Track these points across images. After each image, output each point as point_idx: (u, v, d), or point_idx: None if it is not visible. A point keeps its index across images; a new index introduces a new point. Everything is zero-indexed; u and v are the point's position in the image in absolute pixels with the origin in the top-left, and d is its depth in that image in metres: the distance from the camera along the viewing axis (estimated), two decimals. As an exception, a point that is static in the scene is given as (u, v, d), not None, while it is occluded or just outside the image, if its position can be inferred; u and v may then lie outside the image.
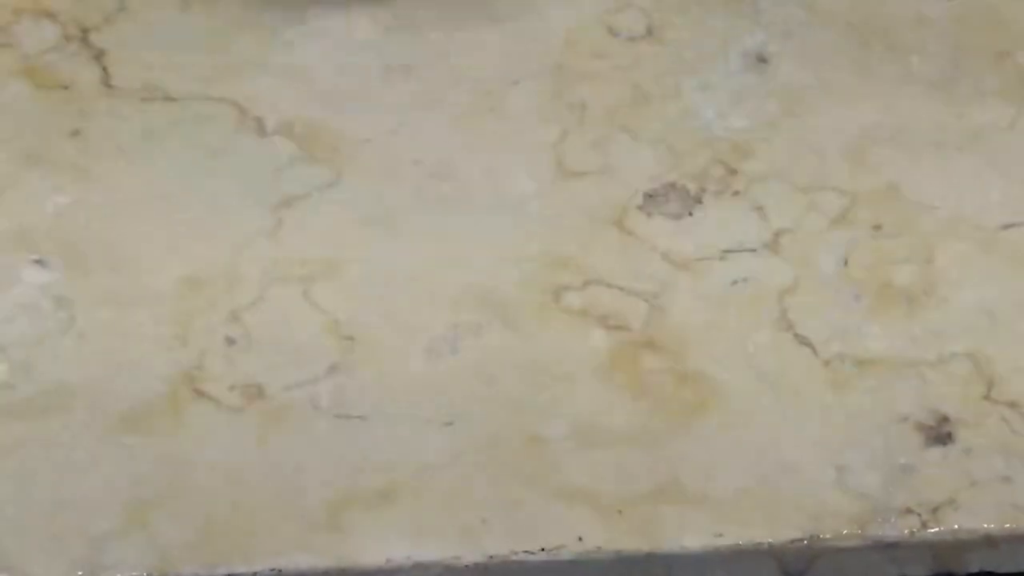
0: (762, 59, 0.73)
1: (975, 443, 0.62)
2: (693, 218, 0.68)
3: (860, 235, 0.68)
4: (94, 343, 0.64)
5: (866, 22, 0.74)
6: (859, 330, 0.65)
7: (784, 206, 0.69)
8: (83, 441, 0.62)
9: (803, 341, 0.65)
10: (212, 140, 0.70)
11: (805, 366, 0.64)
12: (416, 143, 0.70)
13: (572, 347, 0.64)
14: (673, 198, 0.69)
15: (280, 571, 0.59)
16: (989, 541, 0.61)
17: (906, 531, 0.60)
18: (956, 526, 0.60)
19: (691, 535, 0.60)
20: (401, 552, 0.59)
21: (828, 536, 0.60)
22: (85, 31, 0.73)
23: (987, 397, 0.63)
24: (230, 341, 0.64)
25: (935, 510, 0.61)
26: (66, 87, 0.71)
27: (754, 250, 0.67)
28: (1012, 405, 0.63)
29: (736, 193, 0.69)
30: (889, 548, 0.60)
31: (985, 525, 0.60)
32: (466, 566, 0.59)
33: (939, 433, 0.62)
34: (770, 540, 0.60)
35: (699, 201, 0.69)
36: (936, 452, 0.62)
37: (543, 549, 0.60)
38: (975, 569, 0.61)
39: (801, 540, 0.60)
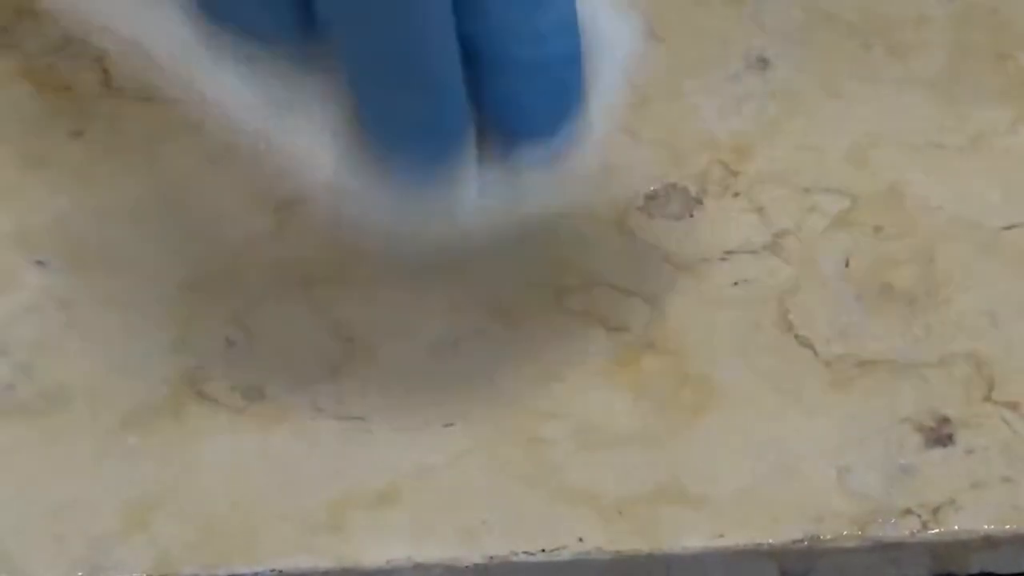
0: (763, 60, 0.73)
1: (976, 444, 0.62)
2: (694, 219, 0.68)
3: (861, 236, 0.68)
4: (95, 344, 0.64)
5: (867, 23, 0.74)
6: (860, 331, 0.65)
7: (785, 207, 0.69)
8: (84, 442, 0.62)
9: (804, 342, 0.65)
10: (214, 142, 0.70)
11: (806, 367, 0.64)
12: (417, 144, 0.70)
13: (573, 348, 0.64)
14: (674, 199, 0.69)
15: (281, 572, 0.59)
16: (990, 542, 0.60)
17: (907, 532, 0.60)
18: (957, 527, 0.60)
19: (692, 536, 0.60)
20: (401, 553, 0.59)
21: (828, 537, 0.60)
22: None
23: (988, 398, 0.63)
24: (231, 343, 0.64)
25: (936, 511, 0.60)
26: (67, 88, 0.71)
27: (755, 251, 0.67)
28: (1013, 406, 0.63)
29: (737, 194, 0.69)
30: (889, 549, 0.60)
31: (986, 526, 0.60)
32: (466, 567, 0.59)
33: (940, 434, 0.62)
34: (771, 541, 0.60)
35: (700, 202, 0.69)
36: (937, 453, 0.62)
37: (543, 550, 0.60)
38: (976, 570, 0.61)
39: (801, 541, 0.60)
